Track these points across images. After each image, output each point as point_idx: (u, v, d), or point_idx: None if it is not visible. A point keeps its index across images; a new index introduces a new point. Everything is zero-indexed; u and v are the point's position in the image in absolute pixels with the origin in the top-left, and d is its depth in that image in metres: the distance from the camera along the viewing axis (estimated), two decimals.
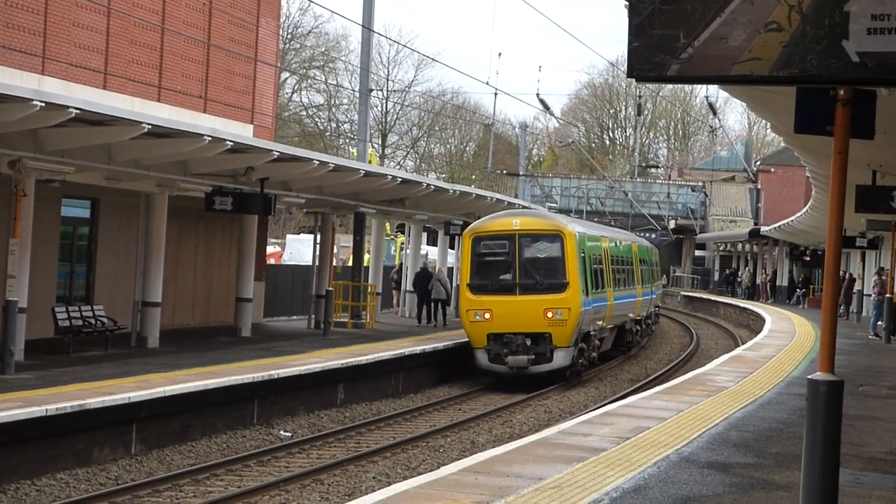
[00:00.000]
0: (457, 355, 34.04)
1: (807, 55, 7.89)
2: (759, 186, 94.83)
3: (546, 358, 32.66)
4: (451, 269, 47.92)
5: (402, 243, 52.07)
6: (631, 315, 42.04)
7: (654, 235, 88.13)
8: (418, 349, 31.61)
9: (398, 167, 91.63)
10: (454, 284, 41.96)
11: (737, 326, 58.75)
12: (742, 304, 64.01)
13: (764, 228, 72.16)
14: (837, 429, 8.69)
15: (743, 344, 37.61)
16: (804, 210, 50.07)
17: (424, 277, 40.96)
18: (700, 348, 46.23)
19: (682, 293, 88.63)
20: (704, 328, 59.95)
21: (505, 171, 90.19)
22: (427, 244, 58.09)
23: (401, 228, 58.94)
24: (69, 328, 27.58)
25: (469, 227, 34.30)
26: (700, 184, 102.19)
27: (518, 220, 33.27)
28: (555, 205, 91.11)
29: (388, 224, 54.16)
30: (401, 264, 47.60)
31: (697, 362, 38.37)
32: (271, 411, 24.51)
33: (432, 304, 40.80)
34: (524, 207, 44.62)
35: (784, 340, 34.96)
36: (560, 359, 32.72)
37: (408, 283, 45.40)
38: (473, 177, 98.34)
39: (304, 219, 73.58)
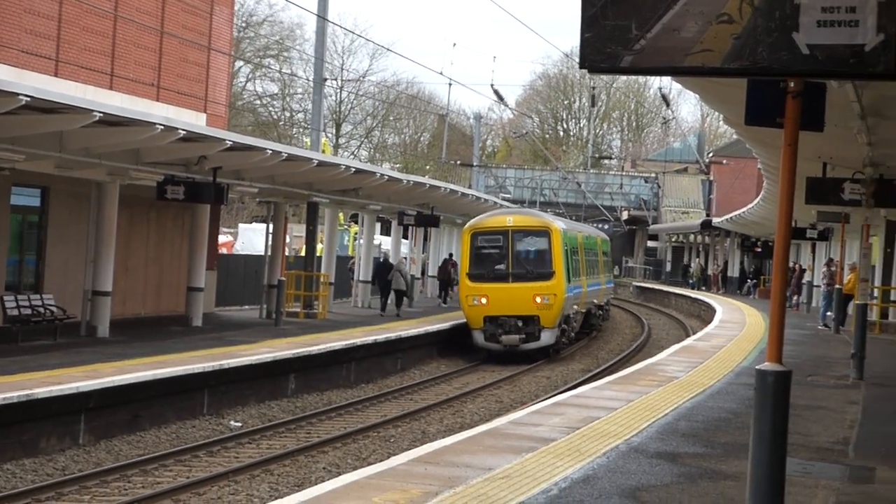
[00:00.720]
0: (411, 344, 34.07)
1: (758, 47, 7.81)
2: (712, 178, 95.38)
3: (535, 337, 37.47)
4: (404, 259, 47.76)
5: (356, 233, 51.35)
6: (595, 301, 46.87)
7: (606, 226, 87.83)
8: (370, 339, 31.48)
9: (352, 157, 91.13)
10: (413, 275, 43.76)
11: (688, 317, 58.50)
12: (693, 295, 63.82)
13: (716, 220, 72.28)
14: (785, 419, 8.67)
15: (694, 334, 37.97)
16: (755, 202, 49.79)
17: (385, 268, 41.18)
18: (652, 338, 46.16)
19: (634, 284, 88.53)
20: (656, 318, 59.83)
21: (459, 162, 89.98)
22: (381, 234, 57.63)
23: (354, 218, 58.21)
24: (18, 317, 27.23)
25: (467, 224, 38.91)
26: (653, 175, 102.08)
27: (511, 218, 38.18)
28: (508, 195, 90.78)
29: (341, 214, 53.86)
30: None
31: (649, 352, 38.43)
32: (222, 401, 24.19)
33: (392, 295, 41.18)
34: (477, 198, 46.57)
35: (734, 331, 35.31)
36: (546, 337, 37.60)
37: (363, 273, 45.06)
38: (428, 167, 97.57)
39: (256, 208, 73.14)
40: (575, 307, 40.52)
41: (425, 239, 53.52)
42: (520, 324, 37.27)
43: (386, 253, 43.66)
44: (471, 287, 37.45)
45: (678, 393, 19.12)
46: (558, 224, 39.08)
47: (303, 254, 43.45)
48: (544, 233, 37.97)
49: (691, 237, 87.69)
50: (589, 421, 15.84)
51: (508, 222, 38.01)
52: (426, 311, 43.89)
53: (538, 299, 37.37)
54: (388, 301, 41.44)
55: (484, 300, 37.27)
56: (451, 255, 50.66)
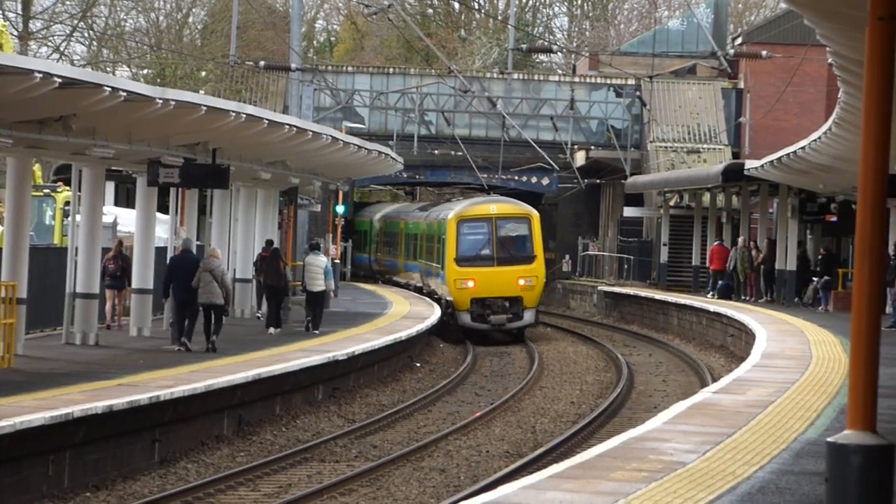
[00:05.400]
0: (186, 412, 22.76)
1: None
2: (742, 84, 63.86)
3: (519, 317, 43.15)
4: (165, 248, 33.81)
5: (68, 201, 36.59)
6: None
7: (546, 181, 63.17)
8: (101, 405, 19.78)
9: (58, 58, 62.86)
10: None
11: (703, 349, 42.82)
12: (714, 308, 44.92)
13: (752, 163, 45.80)
14: None
15: (715, 382, 29.10)
16: (825, 128, 33.47)
17: (185, 265, 28.96)
18: (636, 390, 32.61)
19: (600, 288, 59.84)
20: (643, 352, 44.02)
21: (263, 64, 58.40)
22: (115, 204, 43.00)
23: (63, 174, 42.87)
24: None
25: (452, 212, 44.63)
26: (630, 82, 63.22)
27: (495, 206, 44.40)
28: (361, 126, 61.12)
29: (37, 166, 38.89)
30: (119, 243, 33.42)
31: (631, 416, 29.15)
32: None
33: (204, 314, 28.68)
34: (301, 132, 33.78)
35: (789, 374, 26.33)
36: (528, 317, 43.48)
37: (140, 277, 30.79)
38: (204, 73, 68.27)
39: None
40: None
41: (203, 211, 38.33)
42: (507, 304, 42.99)
43: (187, 241, 31.57)
44: (458, 271, 43.28)
45: (686, 494, 14.68)
46: (536, 212, 45.29)
47: None
48: (525, 220, 44.12)
49: (706, 198, 54.90)
50: None
51: (492, 210, 44.06)
52: (244, 341, 31.55)
53: (521, 281, 43.04)
54: (192, 323, 28.45)
55: (471, 283, 42.97)
56: (270, 241, 36.75)
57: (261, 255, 35.86)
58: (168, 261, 31.54)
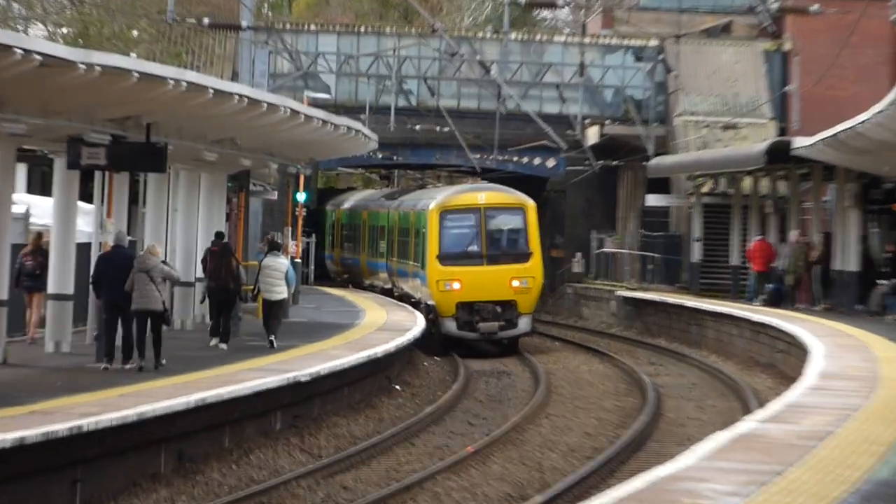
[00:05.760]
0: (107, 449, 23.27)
1: None
2: (788, 46, 62.86)
3: (513, 324, 44.45)
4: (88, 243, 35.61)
5: None
6: None
7: (551, 162, 63.69)
8: None
9: None
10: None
11: (745, 367, 43.68)
12: (757, 317, 45.76)
13: (801, 140, 45.95)
14: None
15: (761, 407, 29.21)
16: (892, 97, 33.80)
17: (118, 264, 30.42)
18: (663, 418, 34.09)
19: (619, 293, 60.45)
20: (672, 372, 44.91)
21: (207, 22, 57.41)
22: (28, 191, 44.57)
23: None
24: None
25: (434, 202, 45.93)
26: (653, 43, 65.89)
27: (483, 195, 45.72)
28: (327, 96, 59.50)
29: None
30: (39, 236, 34.75)
31: (659, 450, 29.92)
32: None
33: (138, 322, 30.85)
34: (253, 103, 35.34)
35: (852, 397, 27.25)
36: (523, 324, 44.76)
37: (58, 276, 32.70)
38: (136, 33, 66.52)
39: None
40: None
41: (136, 200, 39.57)
42: (498, 310, 44.30)
43: (119, 234, 32.58)
44: (441, 270, 44.64)
45: None
46: (532, 201, 46.37)
47: None
48: (519, 210, 45.62)
49: (746, 182, 54.69)
50: None
51: (480, 200, 45.49)
52: (186, 357, 32.62)
53: (515, 283, 44.57)
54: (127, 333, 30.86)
55: (456, 285, 44.53)
56: (220, 233, 37.45)
57: (209, 249, 36.38)
58: (95, 259, 31.89)
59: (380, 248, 56.71)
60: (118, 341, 30.67)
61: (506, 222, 45.83)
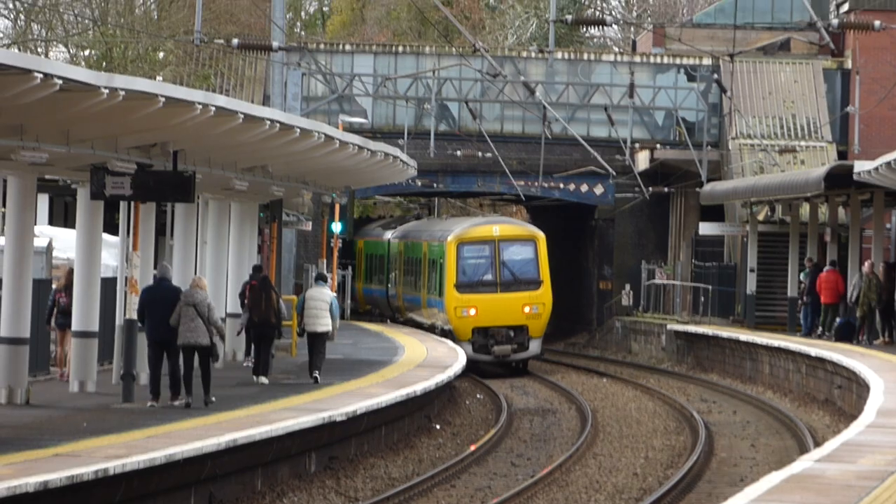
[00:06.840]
0: None
1: None
2: (850, 64, 61.54)
3: (524, 347, 50.14)
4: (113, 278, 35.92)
5: None
6: None
7: (599, 189, 62.75)
8: None
9: None
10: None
11: (802, 404, 43.47)
12: (815, 351, 44.88)
13: (863, 164, 44.45)
14: None
15: (818, 446, 29.70)
16: None
17: (164, 297, 30.82)
18: (715, 457, 34.83)
19: (670, 326, 59.85)
20: (725, 409, 44.53)
21: (237, 42, 56.18)
22: (50, 222, 44.50)
23: None
24: None
25: (451, 235, 50.92)
26: (707, 62, 64.19)
27: (497, 228, 51.49)
28: (363, 120, 59.32)
29: None
30: (71, 272, 34.60)
31: (710, 490, 30.57)
32: None
33: (184, 358, 31.06)
34: (286, 128, 35.04)
35: None
36: (534, 347, 50.45)
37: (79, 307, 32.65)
38: (162, 54, 66.52)
39: None
40: None
41: (163, 231, 39.77)
42: (511, 334, 49.37)
43: (163, 267, 32.93)
44: (459, 298, 49.55)
45: None
46: (542, 233, 51.35)
47: None
48: (531, 241, 50.90)
49: (804, 210, 53.84)
50: None
51: (495, 232, 50.58)
52: (219, 396, 32.02)
53: (527, 309, 49.52)
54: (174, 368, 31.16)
55: (473, 311, 49.54)
56: (258, 266, 37.70)
57: (247, 284, 36.85)
58: (140, 292, 32.14)
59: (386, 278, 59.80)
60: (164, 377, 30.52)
61: (518, 253, 51.23)
